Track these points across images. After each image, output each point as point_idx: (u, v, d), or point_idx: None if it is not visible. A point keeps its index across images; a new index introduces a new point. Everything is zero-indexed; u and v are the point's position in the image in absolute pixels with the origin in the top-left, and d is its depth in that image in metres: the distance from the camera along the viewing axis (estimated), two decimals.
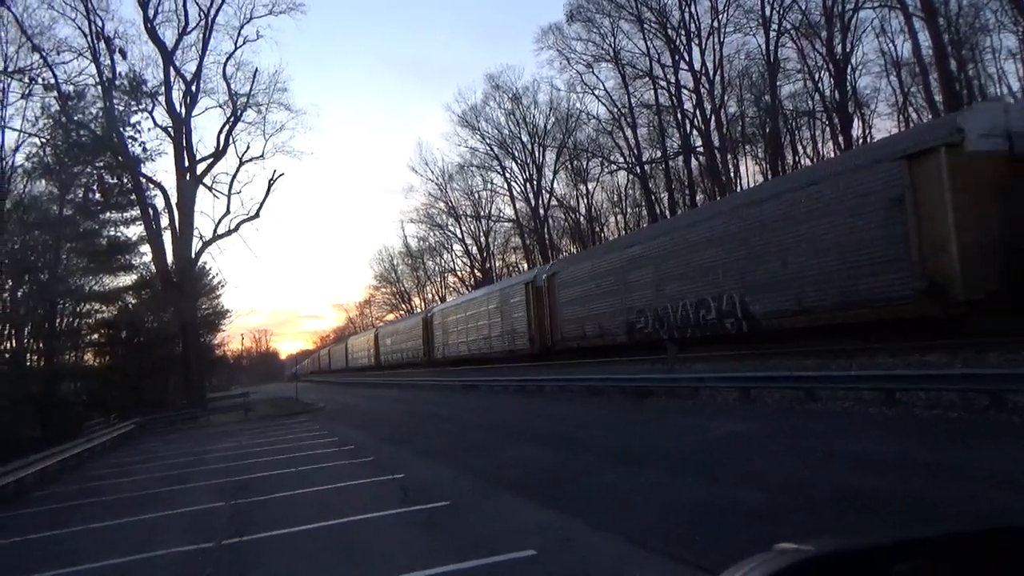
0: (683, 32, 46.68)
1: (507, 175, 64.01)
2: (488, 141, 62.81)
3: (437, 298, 79.51)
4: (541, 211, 61.59)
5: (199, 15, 33.07)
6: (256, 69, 43.98)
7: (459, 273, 78.27)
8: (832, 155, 40.05)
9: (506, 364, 31.23)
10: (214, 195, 35.13)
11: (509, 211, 66.03)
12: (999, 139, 12.76)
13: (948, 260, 12.92)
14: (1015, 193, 12.37)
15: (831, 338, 15.59)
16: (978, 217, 12.67)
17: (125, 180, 33.69)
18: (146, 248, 35.15)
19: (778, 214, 16.96)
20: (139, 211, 33.50)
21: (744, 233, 18.09)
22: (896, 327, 14.23)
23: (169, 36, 33.12)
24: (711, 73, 45.58)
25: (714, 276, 19.15)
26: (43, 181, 31.84)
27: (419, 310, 73.63)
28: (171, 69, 32.81)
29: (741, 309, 18.16)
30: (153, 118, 33.57)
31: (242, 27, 34.17)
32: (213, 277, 47.38)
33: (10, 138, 30.15)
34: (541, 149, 60.79)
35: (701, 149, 47.82)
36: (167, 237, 33.11)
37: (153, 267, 34.62)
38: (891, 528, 4.42)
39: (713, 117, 45.89)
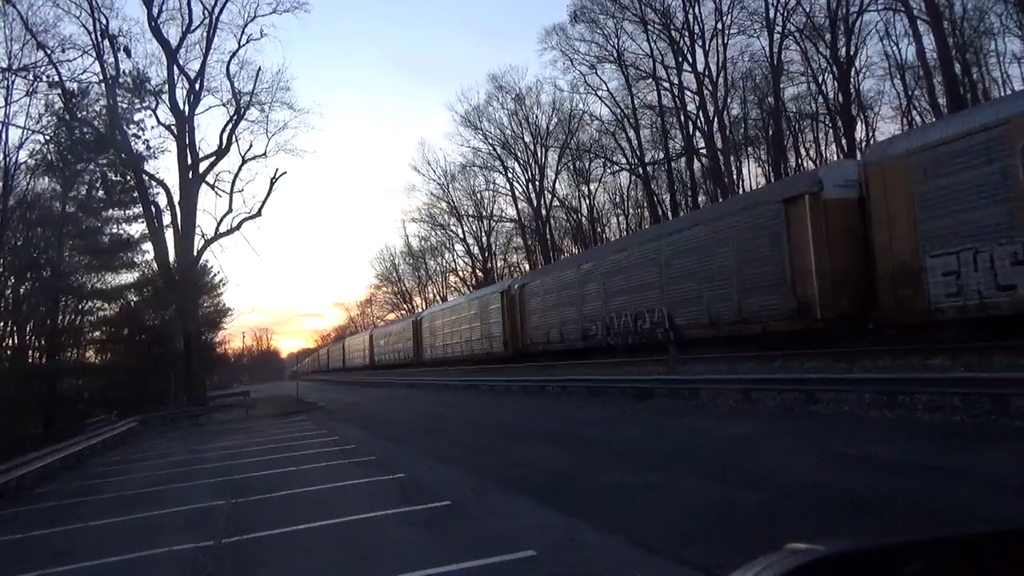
0: (687, 34, 46.67)
1: (509, 175, 64.06)
2: (491, 141, 62.86)
3: (438, 298, 79.57)
4: (543, 211, 61.60)
5: (203, 13, 33.15)
6: (259, 67, 44.19)
7: (461, 273, 78.32)
8: (835, 158, 40.10)
9: (484, 365, 33.82)
10: (216, 193, 35.21)
11: (511, 211, 66.08)
12: (851, 189, 15.45)
13: (810, 286, 15.74)
14: (862, 233, 15.09)
15: (733, 345, 18.25)
16: (832, 252, 15.48)
17: (128, 178, 33.72)
18: (148, 246, 35.25)
19: (693, 242, 20.19)
20: (142, 209, 33.55)
21: (669, 257, 21.17)
22: (778, 338, 16.81)
23: (173, 34, 33.19)
24: (714, 75, 45.60)
25: (648, 292, 22.17)
26: (46, 178, 31.89)
27: (419, 310, 73.81)
28: (175, 67, 32.88)
29: (668, 321, 21.14)
30: (156, 116, 33.66)
31: (246, 25, 34.25)
32: (215, 275, 47.52)
33: (14, 135, 30.36)
34: (543, 149, 60.84)
35: (704, 151, 47.80)
36: (169, 235, 33.18)
37: (155, 265, 34.70)
38: (894, 531, 4.40)
39: (716, 119, 45.88)
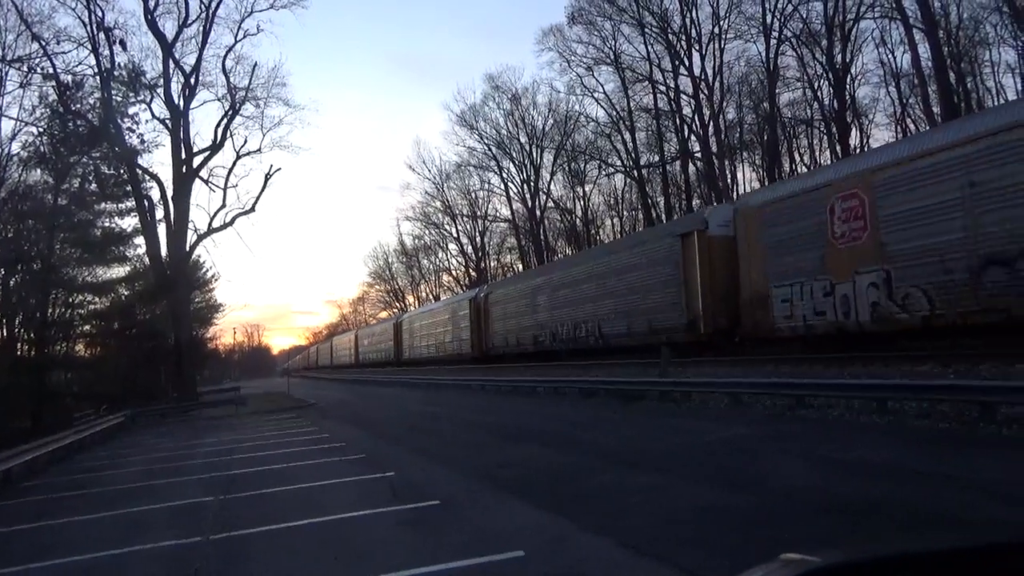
0: (684, 37, 46.78)
1: (504, 175, 64.07)
2: (486, 141, 62.85)
3: (431, 297, 79.52)
4: (538, 212, 61.60)
5: (200, 7, 33.07)
6: (256, 63, 43.93)
7: (454, 272, 78.31)
8: (830, 163, 40.24)
9: (454, 365, 37.68)
10: (210, 188, 35.09)
11: (505, 211, 66.09)
12: (727, 228, 19.05)
13: (698, 306, 19.75)
14: (735, 264, 18.63)
15: (647, 352, 20.85)
16: (714, 279, 19.21)
17: (121, 171, 33.57)
18: (140, 240, 35.08)
19: (616, 266, 24.15)
20: (134, 202, 33.38)
21: (600, 277, 25.15)
22: (677, 346, 19.71)
23: (169, 28, 33.07)
24: (711, 79, 45.70)
25: (585, 306, 26.02)
26: (39, 170, 31.70)
27: (412, 308, 73.86)
28: (170, 61, 32.75)
29: (599, 330, 25.10)
30: (151, 110, 33.51)
31: (243, 20, 34.21)
32: (207, 270, 47.28)
33: (7, 126, 30.17)
34: (539, 150, 60.85)
35: (699, 154, 47.90)
36: (162, 229, 33.07)
37: (147, 259, 34.51)
38: (885, 537, 4.40)
39: (711, 123, 45.97)
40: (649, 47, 48.47)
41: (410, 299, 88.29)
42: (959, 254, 12.98)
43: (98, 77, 30.74)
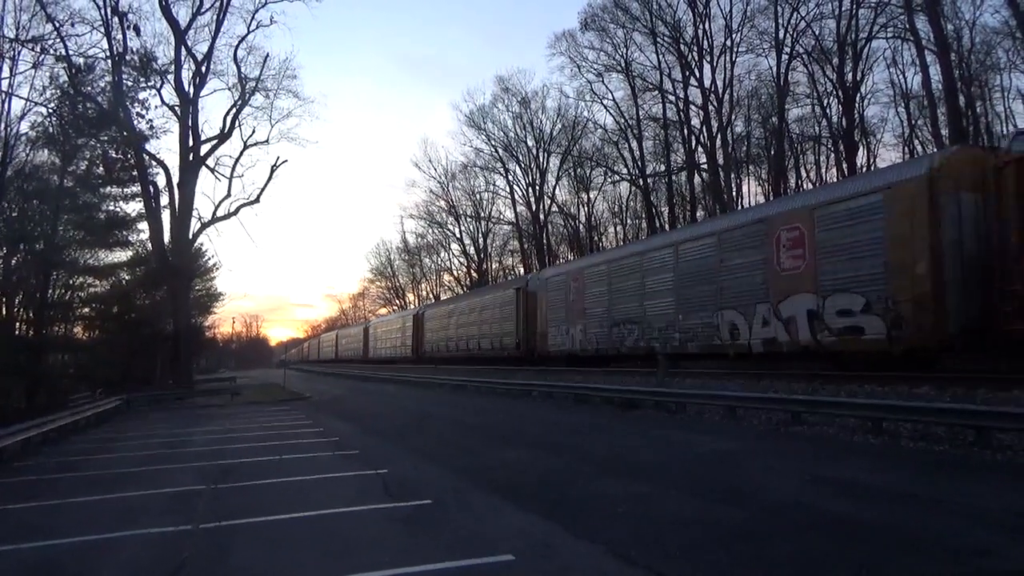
0: (695, 48, 46.81)
1: (510, 178, 64.18)
2: (493, 142, 63.01)
3: (432, 296, 79.57)
4: (541, 216, 61.67)
5: None
6: (267, 54, 44.08)
7: (455, 273, 78.36)
8: (836, 180, 40.25)
9: (408, 365, 48.97)
10: (216, 177, 35.23)
11: (509, 214, 66.19)
12: (543, 284, 30.93)
13: (520, 336, 32.66)
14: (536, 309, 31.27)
15: (500, 362, 33.91)
16: (528, 318, 31.96)
17: (129, 156, 33.60)
18: (144, 225, 35.09)
19: (485, 303, 37.80)
20: (140, 188, 33.47)
21: (479, 310, 38.33)
22: (511, 360, 32.92)
23: (183, 15, 33.18)
24: (720, 91, 45.72)
25: (471, 327, 38.95)
26: (46, 151, 31.70)
27: (412, 306, 73.90)
28: (182, 48, 32.87)
29: (478, 345, 37.72)
30: (161, 96, 33.60)
31: (256, 11, 34.34)
32: (209, 259, 47.32)
33: (16, 106, 30.12)
34: (546, 154, 60.97)
35: (705, 166, 47.94)
36: (166, 216, 33.13)
37: (150, 245, 34.55)
38: (874, 559, 4.39)
39: (719, 135, 46.00)
40: (660, 56, 48.57)
41: (411, 297, 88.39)
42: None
43: (110, 61, 30.82)
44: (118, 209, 36.83)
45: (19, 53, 27.98)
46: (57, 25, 28.72)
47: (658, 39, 47.87)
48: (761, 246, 17.89)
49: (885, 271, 14.69)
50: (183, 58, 32.99)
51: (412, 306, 75.14)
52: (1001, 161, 13.39)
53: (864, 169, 39.16)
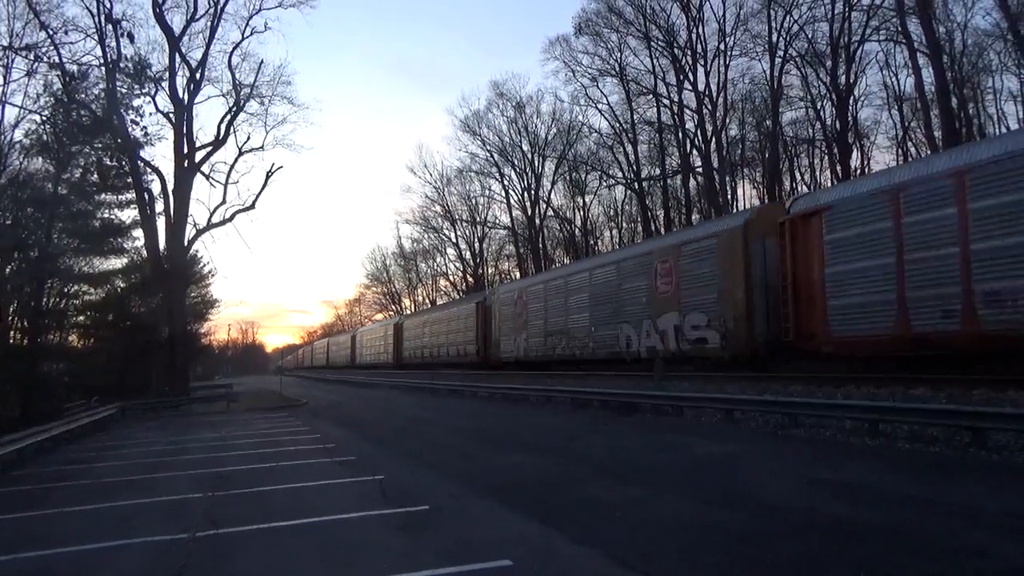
0: (689, 52, 47.00)
1: (505, 182, 64.27)
2: (489, 147, 63.10)
3: (428, 301, 79.55)
4: (537, 220, 61.72)
5: (209, 3, 33.18)
6: (262, 61, 44.11)
7: (451, 277, 78.33)
8: (829, 183, 40.44)
9: (385, 370, 53.64)
10: (211, 184, 35.11)
11: (505, 218, 66.28)
12: (497, 299, 35.14)
13: (479, 343, 37.33)
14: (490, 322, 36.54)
15: (464, 367, 38.40)
16: (485, 329, 36.56)
17: (123, 163, 33.54)
18: (139, 232, 35.10)
19: (450, 315, 43.11)
20: (135, 195, 33.36)
21: (445, 321, 43.67)
22: (472, 366, 37.48)
23: (177, 22, 33.22)
24: (714, 95, 45.92)
25: (440, 337, 44.10)
26: (40, 158, 31.68)
27: (408, 311, 73.91)
28: (176, 55, 32.79)
29: (447, 352, 42.38)
30: (155, 103, 33.55)
31: (251, 17, 34.31)
32: (204, 265, 47.29)
33: (10, 113, 30.06)
34: (541, 159, 61.07)
35: (700, 169, 48.06)
36: (161, 223, 33.02)
37: (144, 252, 34.49)
38: (872, 560, 4.40)
39: (714, 138, 46.15)
40: (654, 60, 48.78)
41: (407, 302, 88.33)
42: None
43: (103, 68, 30.79)
44: (113, 216, 36.88)
45: (12, 61, 28.00)
46: (51, 33, 28.77)
47: (652, 43, 48.10)
48: (646, 274, 22.34)
49: (718, 296, 19.17)
50: (177, 65, 32.95)
51: (407, 311, 75.24)
52: (782, 218, 17.31)
53: (859, 172, 39.34)
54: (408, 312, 76.21)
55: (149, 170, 33.56)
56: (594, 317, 25.17)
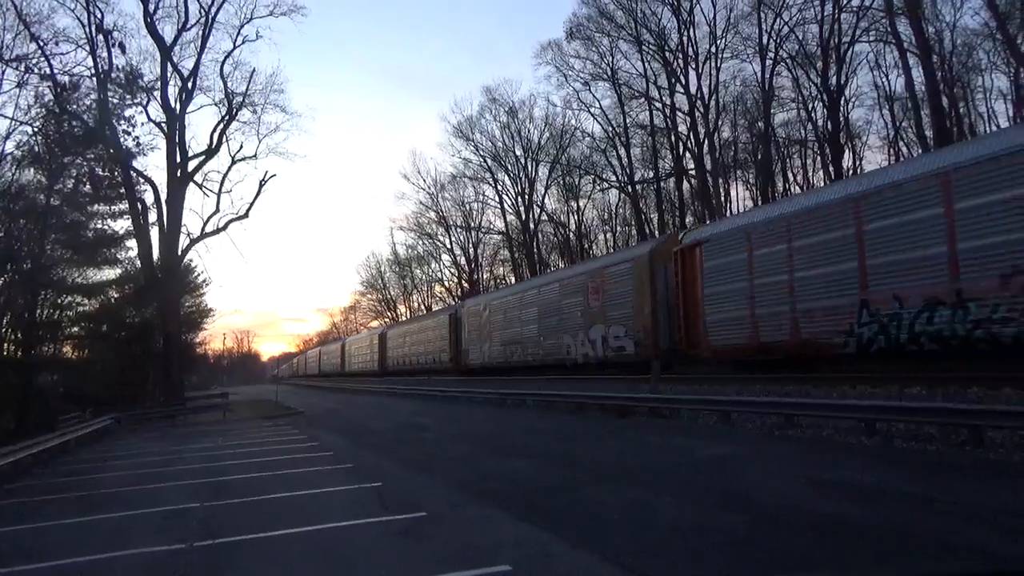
0: (680, 55, 47.14)
1: (499, 187, 64.24)
2: (482, 153, 63.05)
3: (423, 307, 79.46)
4: (531, 225, 61.73)
5: (199, 12, 33.13)
6: (254, 69, 44.09)
7: (447, 283, 78.25)
8: (822, 184, 40.61)
9: (372, 376, 56.38)
10: (204, 193, 35.03)
11: (499, 224, 66.21)
12: (466, 311, 38.00)
13: (453, 351, 39.42)
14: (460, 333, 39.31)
15: (440, 373, 40.16)
16: (457, 339, 39.02)
17: (115, 173, 33.44)
18: (132, 243, 34.93)
19: (427, 326, 45.64)
20: (127, 205, 33.32)
21: (422, 331, 46.47)
22: (446, 372, 39.10)
23: (168, 31, 33.08)
24: (706, 97, 46.01)
25: (418, 346, 46.54)
26: (32, 170, 31.54)
27: (403, 318, 73.90)
28: (168, 65, 32.74)
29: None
30: (147, 113, 33.46)
31: (242, 26, 34.24)
32: (198, 275, 47.05)
33: (2, 125, 30.00)
34: (534, 163, 61.07)
35: (693, 172, 48.17)
36: (154, 233, 32.92)
37: (138, 262, 34.37)
38: (871, 559, 4.41)
39: (706, 141, 46.26)
40: (646, 64, 48.89)
41: (402, 308, 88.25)
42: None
43: (95, 79, 30.70)
44: (106, 227, 36.75)
45: (3, 73, 27.91)
46: (41, 44, 28.71)
47: (643, 47, 48.24)
48: (581, 292, 25.69)
49: (633, 311, 22.60)
50: (169, 74, 32.91)
51: (403, 318, 75.26)
52: (676, 248, 20.56)
53: (850, 172, 39.51)
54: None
55: (142, 180, 33.51)
56: (542, 328, 28.61)
